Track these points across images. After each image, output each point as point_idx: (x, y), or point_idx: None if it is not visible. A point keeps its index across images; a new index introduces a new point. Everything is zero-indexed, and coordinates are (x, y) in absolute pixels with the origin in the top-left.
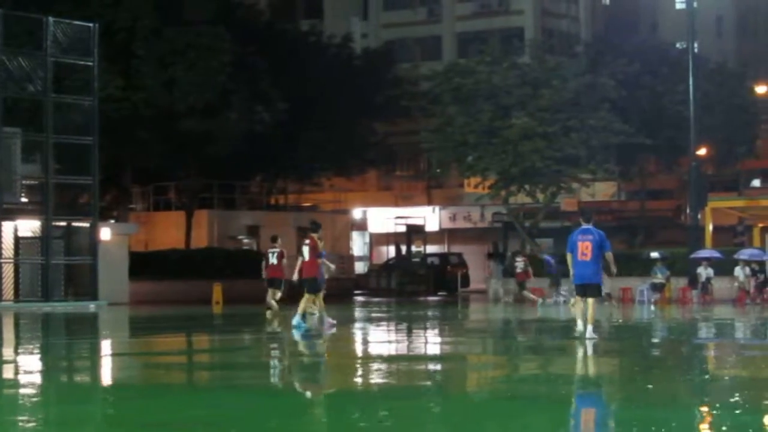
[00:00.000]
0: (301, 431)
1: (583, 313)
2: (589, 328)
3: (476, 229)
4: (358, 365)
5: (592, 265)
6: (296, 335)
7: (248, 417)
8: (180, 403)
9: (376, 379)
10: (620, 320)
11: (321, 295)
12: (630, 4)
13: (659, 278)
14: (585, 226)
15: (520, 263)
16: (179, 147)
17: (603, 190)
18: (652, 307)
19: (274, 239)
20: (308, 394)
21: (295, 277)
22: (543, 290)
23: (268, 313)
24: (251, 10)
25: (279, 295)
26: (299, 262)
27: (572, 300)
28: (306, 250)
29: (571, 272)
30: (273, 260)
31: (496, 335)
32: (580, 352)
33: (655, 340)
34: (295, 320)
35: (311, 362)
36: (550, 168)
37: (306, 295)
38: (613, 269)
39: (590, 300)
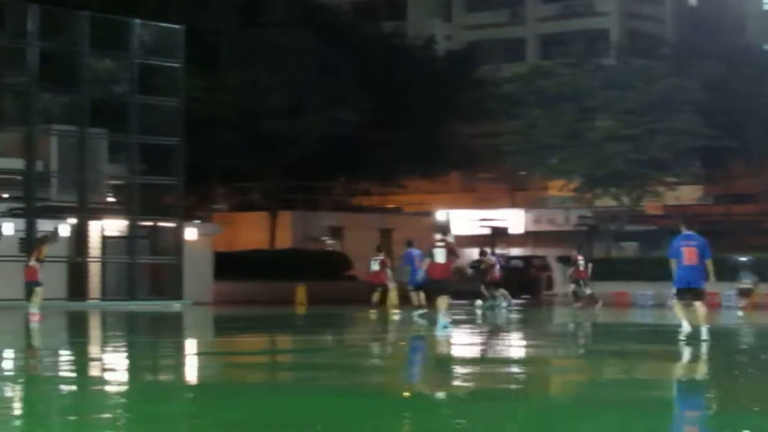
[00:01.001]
0: None
1: (686, 315)
2: (704, 329)
3: (561, 232)
4: (441, 367)
5: (698, 269)
6: (441, 335)
7: (328, 418)
8: (261, 403)
9: (461, 381)
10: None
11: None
12: (716, 5)
13: (746, 283)
14: (687, 232)
15: (580, 262)
16: (262, 148)
17: (688, 194)
18: (740, 313)
19: (379, 249)
20: (389, 396)
21: (420, 276)
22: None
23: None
24: (334, 12)
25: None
26: (425, 264)
27: (672, 301)
28: (439, 252)
29: (674, 276)
30: (375, 267)
31: (608, 340)
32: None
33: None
34: (440, 323)
35: (394, 364)
36: (634, 171)
37: (441, 297)
38: (713, 277)
39: (698, 303)
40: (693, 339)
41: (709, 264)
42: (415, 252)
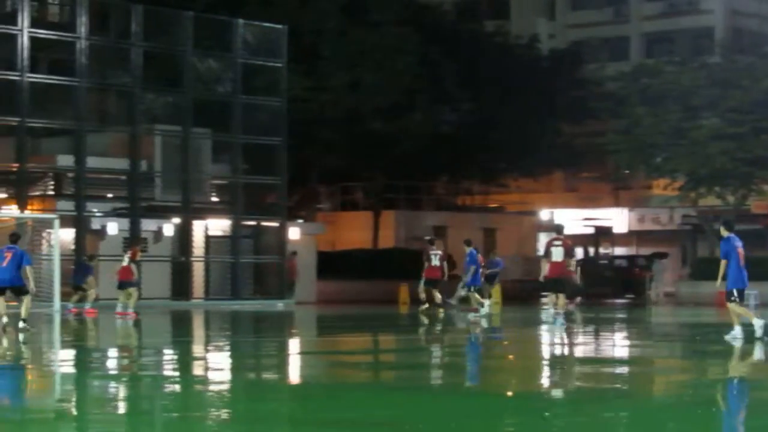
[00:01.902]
0: None
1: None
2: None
3: (665, 231)
4: (543, 367)
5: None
6: (558, 328)
7: (429, 418)
8: (364, 402)
9: (563, 381)
10: None
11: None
12: None
13: None
14: (731, 234)
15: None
16: (365, 147)
17: None
18: None
19: (431, 242)
20: (489, 395)
21: (542, 277)
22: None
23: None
24: (437, 11)
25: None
26: (546, 264)
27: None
28: (556, 251)
29: (731, 278)
30: (435, 262)
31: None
32: None
33: None
34: (558, 321)
35: (494, 365)
36: (739, 170)
37: (560, 295)
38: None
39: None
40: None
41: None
42: (475, 251)
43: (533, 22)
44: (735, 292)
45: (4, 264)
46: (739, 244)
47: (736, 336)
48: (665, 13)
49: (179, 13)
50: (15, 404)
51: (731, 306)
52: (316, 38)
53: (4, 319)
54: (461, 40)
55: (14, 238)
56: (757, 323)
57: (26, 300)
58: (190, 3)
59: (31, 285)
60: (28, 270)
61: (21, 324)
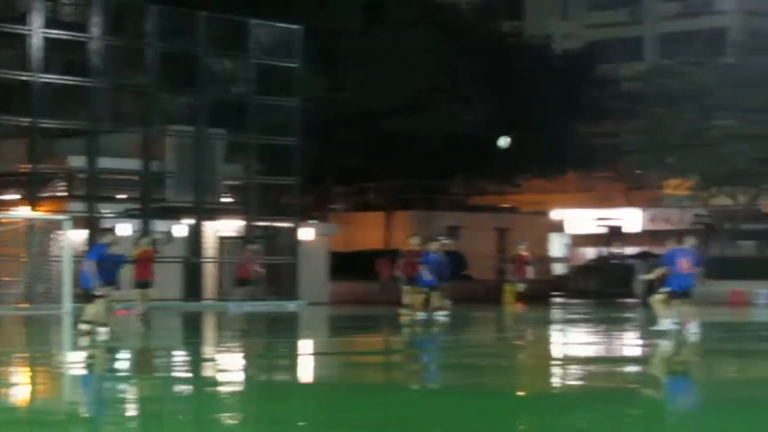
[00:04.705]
0: None
1: None
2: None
3: (678, 231)
4: (559, 368)
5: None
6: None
7: (444, 417)
8: (378, 402)
9: (574, 382)
10: None
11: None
12: None
13: None
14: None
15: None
16: (381, 147)
17: None
18: None
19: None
20: (507, 396)
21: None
22: None
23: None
24: (454, 11)
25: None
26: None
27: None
28: None
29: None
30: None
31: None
32: None
33: None
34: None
35: (512, 364)
36: (752, 170)
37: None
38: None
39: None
40: None
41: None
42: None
43: (548, 23)
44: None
45: None
46: (687, 255)
47: (665, 327)
48: (680, 13)
49: (194, 13)
50: None
51: (655, 299)
52: (334, 38)
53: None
54: (478, 40)
55: None
56: (666, 323)
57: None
58: (205, 3)
59: None
60: None
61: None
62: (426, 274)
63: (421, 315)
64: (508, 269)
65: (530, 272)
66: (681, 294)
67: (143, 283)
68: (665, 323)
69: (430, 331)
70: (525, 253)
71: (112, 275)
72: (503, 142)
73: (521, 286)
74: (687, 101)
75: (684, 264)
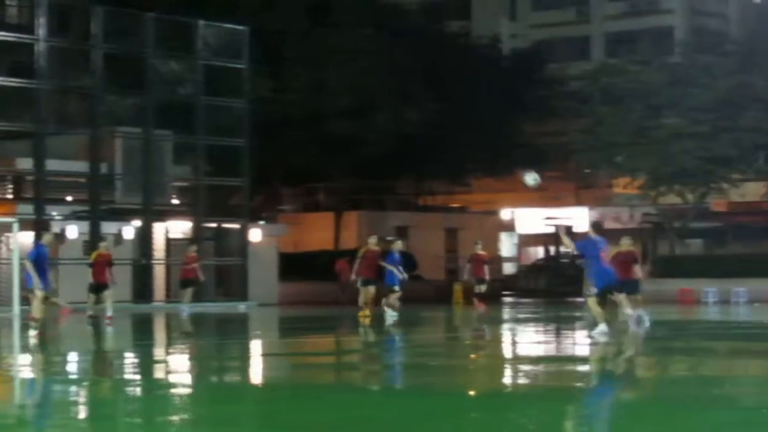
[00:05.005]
0: None
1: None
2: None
3: (625, 230)
4: (505, 367)
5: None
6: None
7: (395, 418)
8: (327, 404)
9: (522, 380)
10: None
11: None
12: None
13: None
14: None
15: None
16: (329, 148)
17: (754, 190)
18: None
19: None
20: (456, 395)
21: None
22: None
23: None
24: (400, 12)
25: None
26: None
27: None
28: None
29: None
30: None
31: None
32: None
33: None
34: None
35: (460, 364)
36: (700, 168)
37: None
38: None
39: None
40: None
41: None
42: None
43: (495, 23)
44: (596, 290)
45: None
46: (602, 246)
47: (601, 332)
48: (627, 12)
49: (141, 14)
50: None
51: (590, 302)
52: (281, 39)
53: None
54: (425, 40)
55: None
56: (601, 328)
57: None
58: (151, 4)
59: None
60: None
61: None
62: (397, 274)
63: (390, 313)
64: (466, 269)
65: (488, 272)
66: (609, 290)
67: (98, 286)
68: (602, 326)
69: (382, 332)
70: (482, 253)
71: (46, 274)
72: (530, 179)
73: (480, 287)
74: (634, 100)
75: (605, 256)
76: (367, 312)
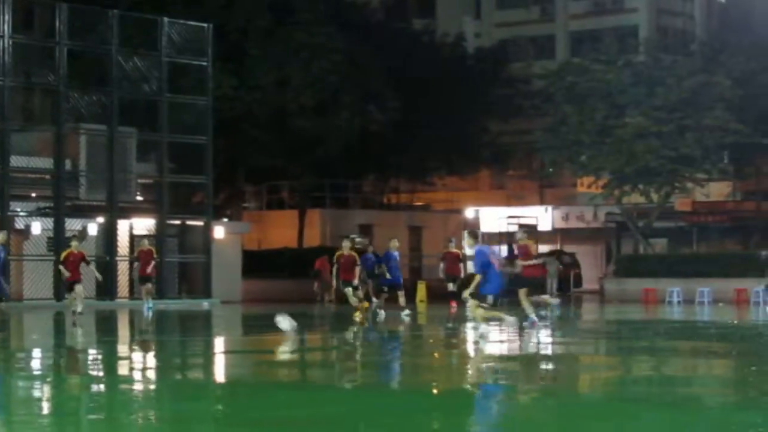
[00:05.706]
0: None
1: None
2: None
3: (589, 229)
4: (465, 365)
5: None
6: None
7: (351, 415)
8: (286, 401)
9: (484, 379)
10: (735, 321)
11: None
12: (745, 1)
13: None
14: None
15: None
16: (292, 146)
17: (718, 190)
18: None
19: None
20: (419, 393)
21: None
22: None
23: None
24: (364, 10)
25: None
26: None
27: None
28: None
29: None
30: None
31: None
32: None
33: None
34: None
35: (421, 363)
36: (664, 168)
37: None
38: None
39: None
40: None
41: None
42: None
43: (459, 21)
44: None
45: None
46: (488, 251)
47: (483, 332)
48: (591, 11)
49: (105, 11)
50: None
51: (471, 305)
52: (243, 37)
53: None
54: (388, 38)
55: None
56: (483, 328)
57: None
58: (115, 1)
59: None
60: None
61: None
62: (393, 273)
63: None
64: (440, 268)
65: (463, 269)
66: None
67: (71, 284)
68: (532, 316)
69: (344, 329)
70: (455, 250)
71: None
72: (286, 324)
73: (452, 285)
74: (598, 99)
75: (497, 263)
76: (359, 313)
